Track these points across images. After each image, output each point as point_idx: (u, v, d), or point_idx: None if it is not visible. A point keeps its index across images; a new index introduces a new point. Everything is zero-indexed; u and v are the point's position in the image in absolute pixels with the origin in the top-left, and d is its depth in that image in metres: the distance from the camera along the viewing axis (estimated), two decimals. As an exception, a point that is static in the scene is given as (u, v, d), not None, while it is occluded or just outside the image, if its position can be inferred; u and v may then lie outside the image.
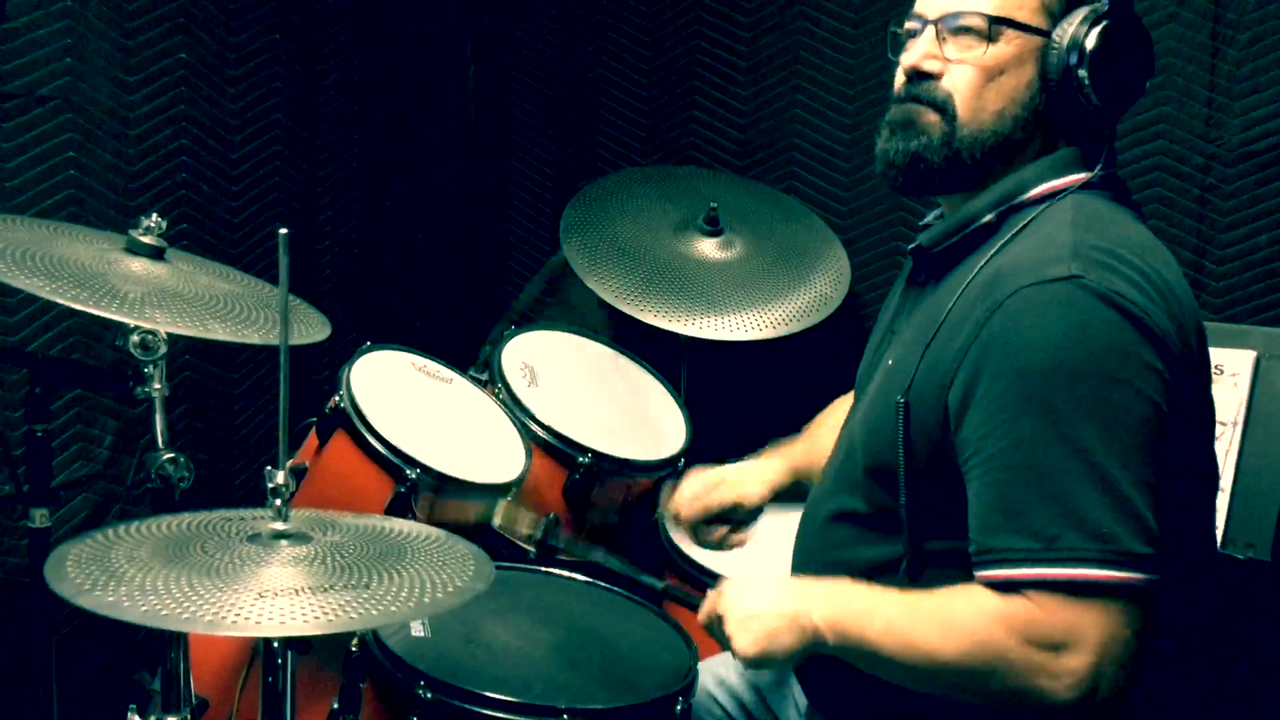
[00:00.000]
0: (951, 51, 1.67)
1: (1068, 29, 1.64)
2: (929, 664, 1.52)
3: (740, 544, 2.07)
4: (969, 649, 1.50)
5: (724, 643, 1.67)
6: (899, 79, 1.73)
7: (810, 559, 1.78)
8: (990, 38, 1.65)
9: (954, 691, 1.54)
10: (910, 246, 1.78)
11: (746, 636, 1.63)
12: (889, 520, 1.65)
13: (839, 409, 2.03)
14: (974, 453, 1.53)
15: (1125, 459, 1.46)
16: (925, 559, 1.62)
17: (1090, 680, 1.45)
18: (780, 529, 1.97)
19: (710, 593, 1.71)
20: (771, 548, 2.15)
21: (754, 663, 1.65)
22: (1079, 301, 1.49)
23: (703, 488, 2.04)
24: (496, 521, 1.93)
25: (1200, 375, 1.61)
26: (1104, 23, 1.63)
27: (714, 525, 2.05)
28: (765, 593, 1.65)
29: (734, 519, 2.04)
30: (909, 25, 1.75)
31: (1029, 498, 1.48)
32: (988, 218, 1.67)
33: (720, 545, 2.06)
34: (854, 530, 1.71)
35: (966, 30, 1.66)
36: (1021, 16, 1.66)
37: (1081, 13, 1.65)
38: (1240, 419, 2.30)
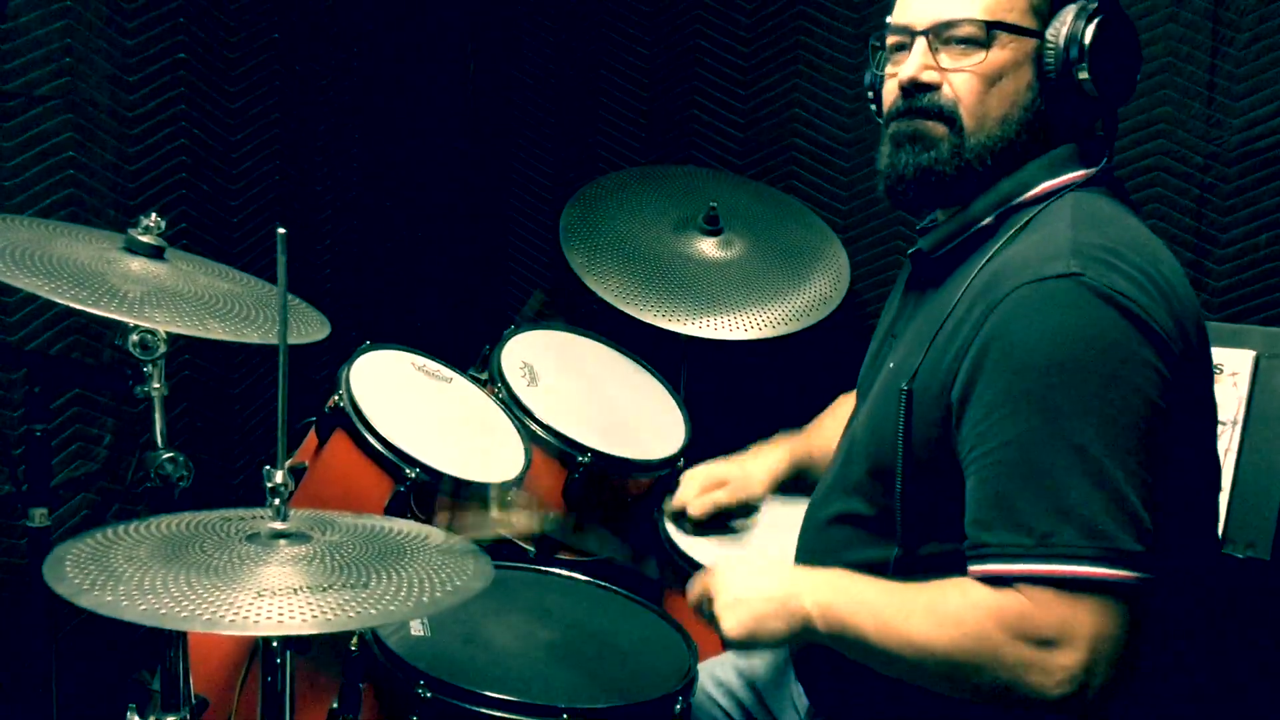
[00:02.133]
0: (946, 60, 1.66)
1: (1061, 28, 1.64)
2: (919, 655, 1.52)
3: (745, 529, 2.09)
4: (960, 642, 1.49)
5: (712, 622, 1.67)
6: (891, 93, 1.72)
7: (811, 561, 1.78)
8: (987, 44, 1.65)
9: (943, 684, 1.53)
10: (910, 251, 1.78)
11: (734, 618, 1.63)
12: (889, 523, 1.65)
13: (843, 404, 2.03)
14: (972, 448, 1.53)
15: (1121, 457, 1.46)
16: (917, 563, 1.61)
17: (1081, 677, 1.45)
18: (781, 524, 1.97)
19: (700, 572, 1.71)
20: (772, 545, 2.15)
21: (740, 644, 1.65)
22: (1079, 299, 1.49)
23: (709, 483, 2.06)
24: (495, 518, 1.92)
25: (1202, 372, 1.61)
26: (1099, 17, 1.63)
27: (719, 520, 2.07)
28: (757, 576, 1.65)
29: (738, 514, 2.07)
30: (892, 39, 1.73)
31: (1023, 493, 1.48)
32: (987, 220, 1.66)
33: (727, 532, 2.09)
34: (854, 532, 1.71)
35: (962, 39, 1.65)
36: (1014, 19, 1.65)
37: (1071, 10, 1.65)
38: (1240, 418, 2.29)
